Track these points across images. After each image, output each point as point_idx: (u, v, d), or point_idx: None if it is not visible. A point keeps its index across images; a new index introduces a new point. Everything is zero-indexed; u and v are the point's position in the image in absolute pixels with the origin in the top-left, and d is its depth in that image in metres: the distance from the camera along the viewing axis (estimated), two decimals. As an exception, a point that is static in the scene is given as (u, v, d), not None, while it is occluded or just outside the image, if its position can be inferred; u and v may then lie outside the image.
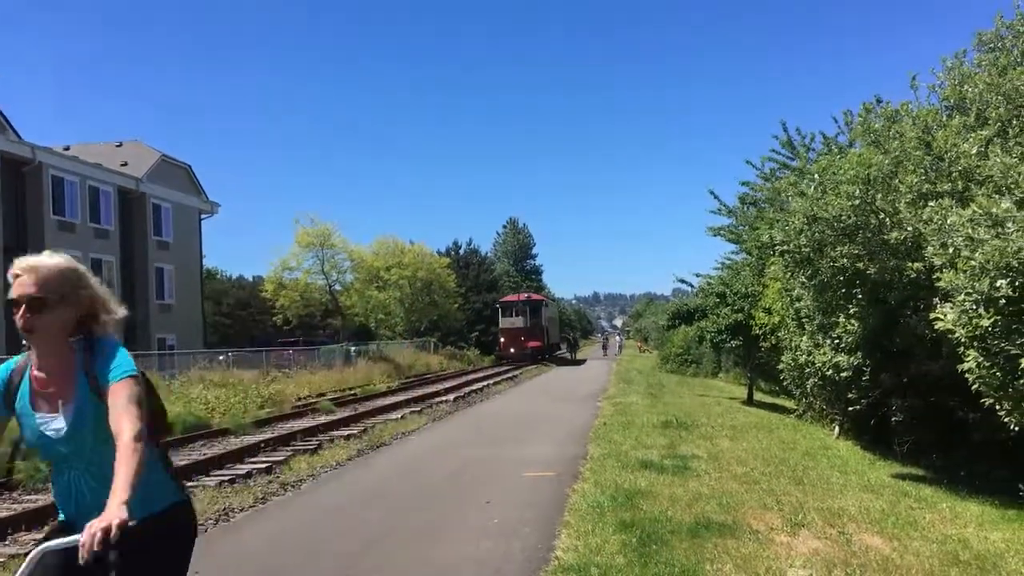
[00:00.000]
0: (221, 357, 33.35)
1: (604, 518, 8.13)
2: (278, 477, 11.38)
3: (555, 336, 63.09)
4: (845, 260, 12.52)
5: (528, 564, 6.77)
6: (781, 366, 18.11)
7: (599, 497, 9.10)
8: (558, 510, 8.72)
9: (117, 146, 44.74)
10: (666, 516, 8.21)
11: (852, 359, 13.82)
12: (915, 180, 10.94)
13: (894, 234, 11.26)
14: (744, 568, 6.52)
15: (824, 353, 14.55)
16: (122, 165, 41.89)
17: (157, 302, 42.66)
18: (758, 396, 26.97)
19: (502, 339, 51.67)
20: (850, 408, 15.32)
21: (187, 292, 45.72)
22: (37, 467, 10.84)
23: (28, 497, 10.31)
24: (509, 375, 36.30)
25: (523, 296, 55.36)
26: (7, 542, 7.87)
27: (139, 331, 40.90)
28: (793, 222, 12.88)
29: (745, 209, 26.58)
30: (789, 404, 22.65)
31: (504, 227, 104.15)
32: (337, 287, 46.96)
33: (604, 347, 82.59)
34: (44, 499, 9.95)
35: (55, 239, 35.29)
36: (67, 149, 40.93)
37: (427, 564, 6.90)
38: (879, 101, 15.42)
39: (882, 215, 11.68)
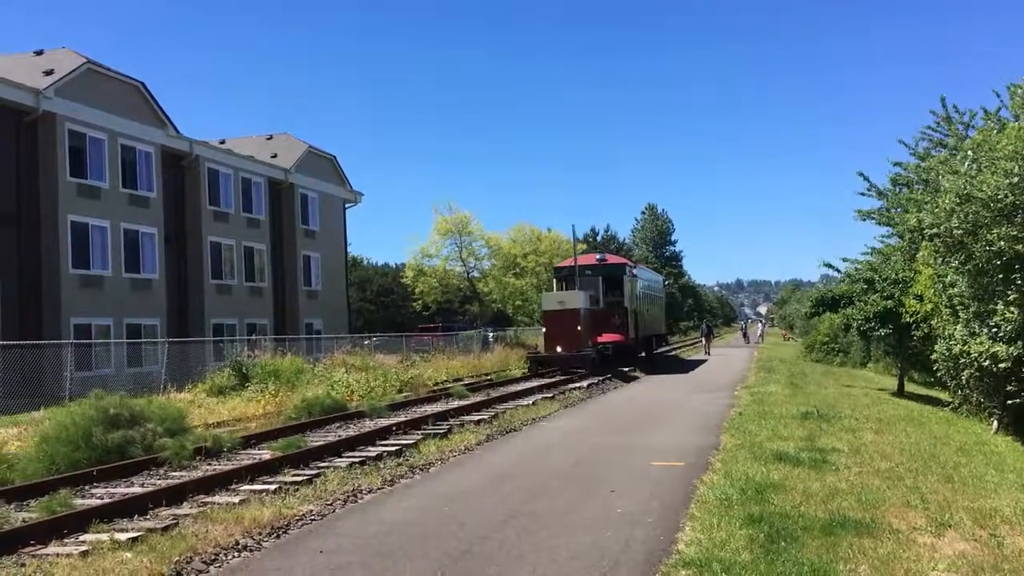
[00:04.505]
0: (367, 342, 34.43)
1: (731, 511, 7.84)
2: (407, 460, 11.57)
3: (655, 324, 40.32)
4: (1002, 243, 11.67)
5: (648, 556, 6.59)
6: (934, 356, 17.23)
7: (728, 489, 8.79)
8: (684, 502, 8.47)
9: (267, 139, 46.82)
10: (798, 511, 7.84)
11: (1012, 349, 12.93)
12: (1084, 154, 10.06)
13: (1059, 214, 10.39)
14: (881, 570, 6.14)
15: (981, 342, 13.65)
16: (272, 157, 43.80)
17: (305, 288, 44.42)
18: (910, 388, 25.69)
19: (544, 330, 30.13)
20: (1009, 401, 14.32)
21: (333, 279, 47.41)
22: (183, 445, 11.42)
23: (174, 473, 10.85)
24: (646, 361, 35.76)
25: (592, 259, 34.17)
26: (148, 516, 8.27)
27: (288, 316, 42.83)
28: (943, 203, 12.07)
29: (897, 191, 25.47)
30: (944, 396, 21.45)
31: (643, 213, 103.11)
32: (475, 274, 47.71)
33: (744, 334, 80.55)
34: (187, 475, 10.48)
35: (211, 229, 37.35)
36: (222, 143, 43.11)
37: (544, 550, 6.82)
38: (1046, 71, 14.29)
39: (1046, 193, 10.79)
